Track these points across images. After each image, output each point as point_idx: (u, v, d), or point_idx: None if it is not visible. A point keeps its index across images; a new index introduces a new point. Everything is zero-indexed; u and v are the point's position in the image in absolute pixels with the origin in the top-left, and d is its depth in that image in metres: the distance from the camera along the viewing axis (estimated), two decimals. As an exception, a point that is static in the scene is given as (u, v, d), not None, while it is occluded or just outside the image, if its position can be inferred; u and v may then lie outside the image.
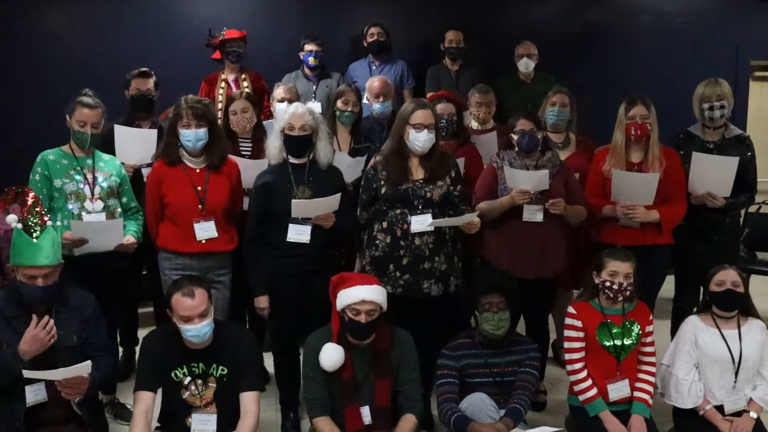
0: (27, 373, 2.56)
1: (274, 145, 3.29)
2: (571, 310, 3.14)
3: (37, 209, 2.75)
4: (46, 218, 2.76)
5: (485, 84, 4.49)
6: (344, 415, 2.84)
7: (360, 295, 2.81)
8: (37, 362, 2.65)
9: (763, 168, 4.07)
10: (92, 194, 3.27)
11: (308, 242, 3.20)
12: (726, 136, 3.72)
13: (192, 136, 3.20)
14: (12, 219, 2.77)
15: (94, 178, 3.29)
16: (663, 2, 6.15)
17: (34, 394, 2.68)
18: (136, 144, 3.67)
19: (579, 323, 3.09)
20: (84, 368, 2.58)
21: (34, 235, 2.68)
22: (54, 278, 2.72)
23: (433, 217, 3.17)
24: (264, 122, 4.06)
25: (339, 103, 3.93)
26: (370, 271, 3.26)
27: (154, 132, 3.72)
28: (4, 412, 2.66)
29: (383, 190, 3.23)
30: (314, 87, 4.92)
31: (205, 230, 3.24)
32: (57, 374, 2.56)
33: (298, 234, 3.21)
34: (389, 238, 3.24)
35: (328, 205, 3.17)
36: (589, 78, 5.81)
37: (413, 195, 3.21)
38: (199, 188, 3.24)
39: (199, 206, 3.24)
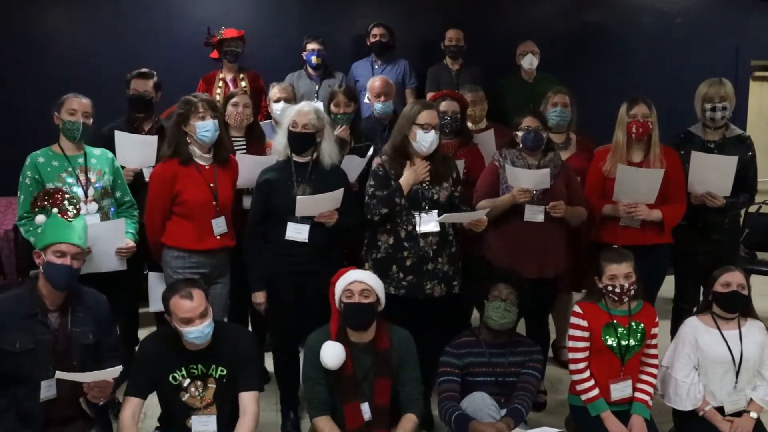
0: (59, 374, 2.57)
1: (280, 141, 3.30)
2: (577, 309, 3.14)
3: (73, 199, 2.87)
4: (79, 208, 2.84)
5: (484, 83, 4.51)
6: (344, 412, 2.83)
7: (352, 276, 2.84)
8: (55, 360, 2.67)
9: (763, 168, 4.06)
10: (86, 196, 3.25)
11: (306, 241, 3.21)
12: (727, 136, 3.72)
13: (211, 126, 3.20)
14: (40, 219, 2.88)
15: (87, 179, 3.27)
16: (663, 2, 6.15)
17: (47, 390, 2.67)
18: (137, 149, 3.66)
19: (584, 323, 3.09)
20: (114, 372, 2.60)
21: (70, 214, 2.75)
22: (79, 264, 2.73)
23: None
24: (261, 123, 4.06)
25: (332, 107, 3.94)
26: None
27: (155, 138, 3.71)
28: (22, 406, 2.66)
29: None
30: (317, 87, 4.91)
31: (219, 226, 3.28)
32: (88, 377, 2.58)
33: (297, 233, 3.21)
34: (392, 239, 3.24)
35: (331, 201, 3.17)
36: (589, 78, 5.81)
37: (422, 197, 3.22)
38: (212, 185, 3.26)
39: (213, 203, 3.25)
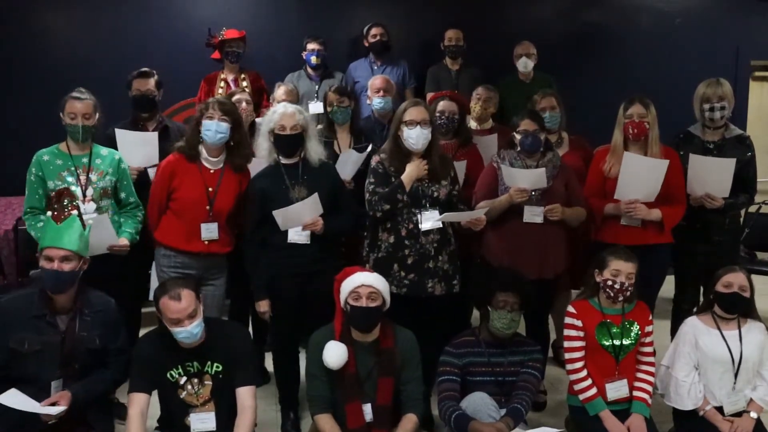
0: (4, 400, 2.57)
1: (263, 146, 3.29)
2: (571, 309, 3.14)
3: (68, 201, 2.87)
4: (73, 210, 2.83)
5: (484, 84, 4.50)
6: (345, 412, 2.83)
7: (359, 279, 2.84)
8: (60, 363, 2.70)
9: (763, 168, 4.06)
10: (84, 196, 3.26)
11: (309, 243, 3.21)
12: (726, 136, 3.72)
13: (213, 126, 3.19)
14: None
15: (88, 179, 3.28)
16: (663, 2, 6.16)
17: (56, 391, 2.68)
18: (138, 147, 3.65)
19: (579, 323, 3.09)
20: (52, 410, 2.60)
21: (60, 220, 2.75)
22: (72, 267, 2.71)
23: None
24: (257, 120, 4.08)
25: (327, 105, 3.97)
26: None
27: (155, 135, 3.71)
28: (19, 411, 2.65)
29: None
30: (317, 87, 4.92)
31: (209, 231, 3.26)
32: (37, 407, 2.60)
33: (299, 235, 3.20)
34: (393, 238, 3.25)
35: (309, 208, 3.15)
36: (589, 78, 5.82)
37: (422, 194, 3.23)
38: (210, 189, 3.25)
39: (207, 207, 3.24)
